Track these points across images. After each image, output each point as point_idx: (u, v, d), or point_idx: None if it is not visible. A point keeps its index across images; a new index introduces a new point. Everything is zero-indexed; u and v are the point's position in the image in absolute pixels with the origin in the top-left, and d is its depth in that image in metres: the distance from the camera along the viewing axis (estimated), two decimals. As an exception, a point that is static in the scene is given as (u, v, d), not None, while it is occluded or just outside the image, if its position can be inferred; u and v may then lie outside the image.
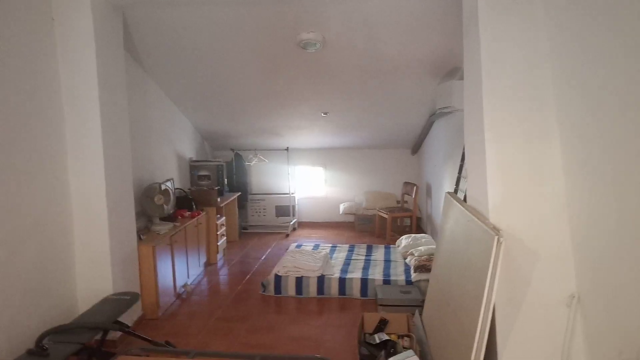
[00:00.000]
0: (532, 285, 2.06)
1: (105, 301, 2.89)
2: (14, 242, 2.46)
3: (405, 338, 2.94)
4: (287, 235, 6.85)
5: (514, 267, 2.07)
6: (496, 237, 1.85)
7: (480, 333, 1.86)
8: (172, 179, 4.99)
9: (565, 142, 2.05)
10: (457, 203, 2.64)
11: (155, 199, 4.04)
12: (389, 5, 3.26)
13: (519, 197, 2.15)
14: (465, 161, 3.72)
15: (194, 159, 6.14)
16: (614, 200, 1.63)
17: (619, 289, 1.64)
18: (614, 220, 1.63)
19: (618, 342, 1.66)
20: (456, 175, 4.05)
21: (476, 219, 2.18)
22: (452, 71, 4.34)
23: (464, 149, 3.81)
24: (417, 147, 7.17)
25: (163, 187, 4.14)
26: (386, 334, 2.98)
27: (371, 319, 3.19)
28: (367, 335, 3.06)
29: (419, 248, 4.65)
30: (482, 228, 2.05)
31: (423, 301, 3.49)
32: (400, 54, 4.02)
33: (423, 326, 2.96)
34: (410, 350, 2.64)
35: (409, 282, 4.13)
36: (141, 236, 3.68)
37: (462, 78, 4.11)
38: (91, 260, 3.05)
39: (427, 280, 3.98)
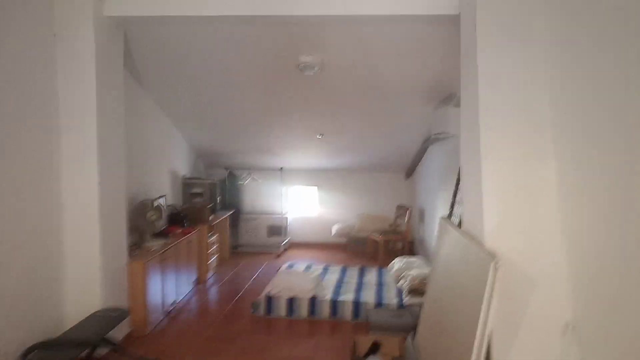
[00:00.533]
0: (528, 311, 2.06)
1: (94, 317, 2.84)
2: (2, 255, 2.42)
3: (398, 363, 2.91)
4: (279, 256, 6.80)
5: (510, 293, 2.07)
6: (492, 263, 1.86)
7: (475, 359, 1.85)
8: (165, 196, 4.96)
9: (561, 166, 2.08)
10: (452, 228, 2.65)
11: (148, 215, 4.01)
12: (387, 31, 3.33)
13: (514, 221, 2.16)
14: (460, 186, 3.75)
15: (188, 176, 6.12)
16: (610, 225, 1.64)
17: (614, 315, 1.65)
18: (610, 246, 1.65)
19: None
20: (450, 200, 4.07)
21: (472, 244, 2.18)
22: (448, 97, 4.40)
23: (458, 174, 3.85)
24: (410, 171, 7.21)
25: (155, 203, 4.12)
26: (379, 357, 2.94)
27: (363, 342, 3.16)
28: (359, 358, 3.02)
29: (412, 271, 4.63)
30: (478, 253, 2.06)
31: (415, 325, 3.46)
32: (397, 79, 4.08)
33: (416, 350, 2.93)
34: (403, 375, 2.61)
35: (401, 305, 4.10)
36: (133, 252, 3.64)
37: (457, 105, 4.17)
38: (81, 274, 3.00)
39: (420, 304, 3.96)
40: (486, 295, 1.85)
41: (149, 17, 3.03)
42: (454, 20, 2.86)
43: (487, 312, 1.85)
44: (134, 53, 3.76)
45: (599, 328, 1.79)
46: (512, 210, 2.16)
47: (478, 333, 1.85)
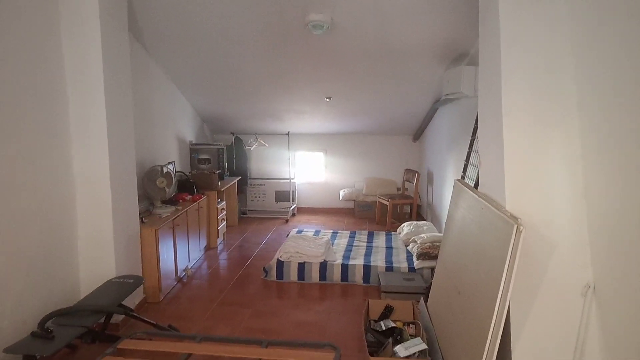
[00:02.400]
0: (547, 274, 2.03)
1: (109, 284, 2.85)
2: (17, 225, 2.41)
3: (411, 325, 2.93)
4: (287, 221, 6.81)
5: (530, 256, 2.04)
6: (515, 226, 1.81)
7: (495, 322, 1.84)
8: (174, 162, 4.92)
9: (585, 130, 2.00)
10: (469, 190, 2.60)
11: (158, 182, 3.97)
12: (401, -13, 3.18)
13: (536, 184, 2.11)
14: (475, 148, 3.67)
15: (194, 142, 6.06)
16: (632, 189, 1.59)
17: (635, 279, 1.62)
18: (632, 209, 1.60)
19: (634, 333, 1.64)
20: (462, 163, 4.00)
21: (492, 207, 2.14)
22: (460, 57, 4.27)
23: (472, 135, 3.77)
24: (419, 134, 7.11)
25: (165, 170, 4.07)
26: (392, 320, 2.96)
27: (376, 306, 3.17)
28: (372, 322, 3.04)
29: (421, 235, 4.63)
30: (500, 216, 2.01)
31: (427, 288, 3.47)
32: (408, 38, 3.94)
33: (429, 314, 2.94)
34: (418, 337, 2.62)
35: (412, 269, 4.11)
36: (143, 219, 3.62)
37: (470, 63, 4.05)
38: (94, 243, 3.00)
39: (430, 268, 3.97)
40: (508, 258, 1.82)
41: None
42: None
43: (508, 274, 1.82)
44: (137, 17, 3.63)
45: (618, 289, 1.77)
46: (534, 173, 2.10)
47: (499, 295, 1.83)
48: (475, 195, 2.43)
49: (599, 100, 1.86)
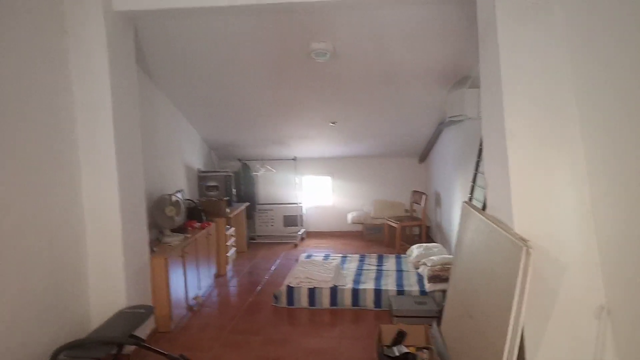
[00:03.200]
0: (559, 296, 2.02)
1: (120, 315, 2.85)
2: (28, 259, 2.43)
3: (425, 350, 2.89)
4: (296, 246, 6.80)
5: (540, 278, 2.03)
6: (524, 248, 1.81)
7: (509, 346, 1.82)
8: (182, 190, 4.97)
9: (589, 148, 2.02)
10: (477, 212, 2.61)
11: (167, 211, 4.01)
12: (399, 14, 3.25)
13: (543, 205, 2.11)
14: (481, 170, 3.68)
15: (202, 169, 6.12)
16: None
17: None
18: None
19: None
20: (469, 184, 4.01)
21: (500, 229, 2.14)
22: (463, 79, 4.32)
23: (478, 157, 3.78)
24: (424, 155, 7.14)
25: (174, 198, 4.12)
26: (404, 346, 2.93)
27: (388, 331, 3.14)
28: (385, 347, 3.01)
29: (432, 258, 4.59)
30: (508, 238, 2.01)
31: (439, 312, 3.44)
32: (409, 62, 4.01)
33: (442, 338, 2.91)
34: (431, 363, 2.59)
35: (423, 292, 4.08)
36: (153, 248, 3.65)
37: (472, 86, 4.09)
38: (105, 273, 3.01)
39: (442, 291, 3.94)
40: (518, 281, 1.81)
41: (158, 10, 2.98)
42: (468, 1, 2.77)
43: (519, 298, 1.81)
44: (144, 48, 3.73)
45: (633, 311, 1.75)
46: (541, 193, 2.11)
47: (511, 319, 1.81)
48: (483, 218, 2.43)
49: (601, 119, 1.88)
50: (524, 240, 1.89)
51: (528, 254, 1.80)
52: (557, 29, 2.17)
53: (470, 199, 3.80)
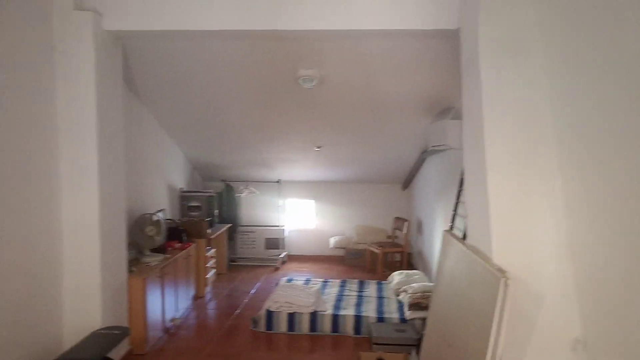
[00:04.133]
0: (537, 328, 2.05)
1: (94, 336, 2.78)
2: (1, 273, 2.37)
3: (403, 379, 2.88)
4: (277, 269, 6.74)
5: (519, 309, 2.06)
6: (503, 279, 1.84)
7: (486, 377, 1.83)
8: (164, 210, 4.92)
9: (566, 181, 2.08)
10: (457, 242, 2.64)
11: (147, 230, 3.96)
12: (386, 45, 3.34)
13: (521, 237, 2.16)
14: (462, 199, 3.74)
15: (185, 189, 6.08)
16: (617, 240, 1.64)
17: (623, 331, 1.64)
18: (619, 261, 1.64)
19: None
20: (451, 212, 4.06)
21: (479, 259, 2.17)
22: (446, 110, 4.42)
23: (459, 186, 3.84)
24: (407, 182, 7.22)
25: (154, 217, 4.07)
26: (383, 374, 2.91)
27: (368, 359, 3.12)
28: (363, 375, 2.98)
29: (412, 285, 4.61)
30: (487, 269, 2.04)
31: (419, 340, 3.43)
32: (394, 92, 4.10)
33: (420, 367, 2.90)
34: (409, 392, 2.57)
35: (402, 320, 4.07)
36: (132, 268, 3.59)
37: (455, 117, 4.19)
38: (80, 292, 2.95)
39: (422, 319, 3.93)
40: (497, 312, 1.83)
41: (147, 31, 3.02)
42: (452, 35, 2.87)
43: (497, 328, 1.83)
44: (132, 66, 3.75)
45: (608, 344, 1.78)
46: (520, 225, 2.16)
47: (489, 349, 1.83)
48: (463, 247, 2.47)
49: (579, 152, 1.94)
50: (502, 271, 1.92)
51: (506, 285, 1.83)
52: (536, 66, 2.25)
53: (452, 227, 3.84)
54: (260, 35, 3.08)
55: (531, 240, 2.16)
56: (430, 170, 5.91)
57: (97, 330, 2.87)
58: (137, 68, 3.80)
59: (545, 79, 2.21)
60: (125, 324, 3.34)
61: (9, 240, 2.43)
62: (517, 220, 2.17)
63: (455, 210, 3.85)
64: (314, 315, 4.10)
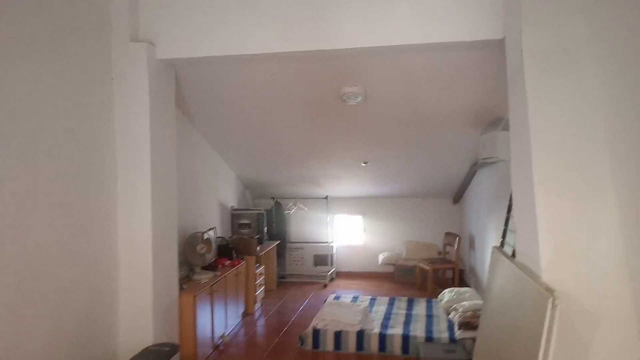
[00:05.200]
0: (592, 350, 1.92)
1: (146, 352, 2.89)
2: (64, 293, 2.52)
3: (452, 402, 2.77)
4: (325, 286, 6.74)
5: (570, 331, 1.94)
6: (550, 299, 1.75)
7: (537, 404, 1.73)
8: (214, 228, 5.07)
9: (621, 197, 1.96)
10: (506, 259, 2.54)
11: (198, 248, 4.09)
12: (429, 58, 3.30)
13: (573, 254, 2.04)
14: (512, 214, 3.60)
15: (236, 207, 6.24)
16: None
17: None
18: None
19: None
20: (502, 227, 3.92)
21: (527, 277, 2.07)
22: (495, 121, 4.29)
23: (510, 200, 3.71)
24: (458, 196, 7.03)
25: (205, 236, 4.20)
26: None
27: (415, 380, 3.03)
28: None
29: (463, 303, 4.46)
30: (535, 287, 1.95)
31: (469, 362, 3.30)
32: (441, 105, 4.03)
33: (471, 390, 2.78)
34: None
35: (452, 340, 3.93)
36: (183, 285, 3.71)
37: (505, 128, 4.06)
38: (134, 309, 3.07)
39: (473, 339, 3.79)
40: (544, 334, 1.74)
41: (197, 58, 3.16)
42: (498, 45, 2.80)
43: (545, 350, 1.73)
44: (184, 91, 3.93)
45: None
46: (570, 241, 2.04)
47: (538, 375, 1.73)
48: (512, 265, 2.37)
49: (635, 168, 1.83)
50: (550, 290, 1.83)
51: (554, 304, 1.73)
52: (587, 76, 2.15)
53: (502, 243, 3.70)
54: (303, 56, 3.15)
55: (584, 257, 2.04)
56: (482, 184, 5.73)
57: (149, 346, 2.98)
58: (189, 92, 3.98)
59: (598, 89, 2.10)
60: (176, 340, 3.44)
61: (70, 257, 2.59)
62: (569, 236, 2.06)
63: (505, 225, 3.72)
64: (360, 334, 4.05)
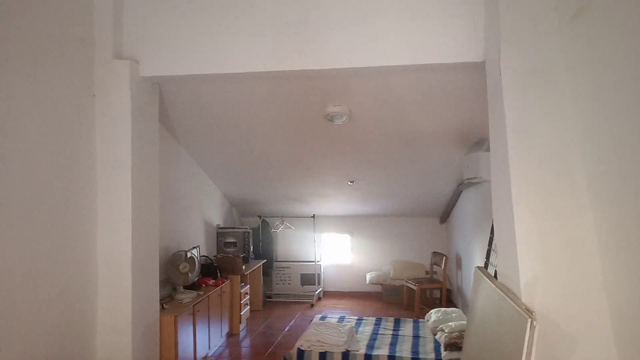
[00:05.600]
0: (571, 373, 1.91)
1: (123, 374, 2.82)
2: (39, 310, 2.46)
3: None
4: (312, 305, 6.67)
5: (550, 352, 1.93)
6: (529, 320, 1.74)
7: None
8: (199, 246, 5.01)
9: (599, 217, 1.97)
10: (487, 279, 2.53)
11: (180, 267, 4.04)
12: (414, 78, 3.34)
13: (552, 274, 2.04)
14: (494, 235, 3.61)
15: (221, 225, 6.19)
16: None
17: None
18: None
19: None
20: (486, 247, 3.93)
21: (507, 298, 2.07)
22: (479, 142, 4.35)
23: (492, 221, 3.73)
24: (445, 216, 7.05)
25: (189, 254, 4.16)
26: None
27: (398, 403, 2.99)
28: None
29: (450, 324, 4.42)
30: (514, 309, 1.94)
31: (454, 383, 3.26)
32: (426, 124, 4.07)
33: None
34: None
35: (439, 361, 3.89)
36: (164, 305, 3.65)
37: (488, 149, 4.09)
38: (112, 329, 3.00)
39: (459, 360, 3.75)
40: (524, 355, 1.72)
41: (181, 76, 3.16)
42: (480, 67, 2.84)
43: (526, 374, 1.72)
44: (169, 108, 3.93)
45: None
46: (549, 261, 2.05)
47: (517, 398, 1.71)
48: (493, 285, 2.36)
49: (612, 186, 1.85)
50: (529, 311, 1.82)
51: (533, 326, 1.73)
52: (564, 96, 2.19)
53: (486, 263, 3.70)
54: (288, 75, 3.16)
55: (564, 278, 2.04)
56: (467, 203, 5.76)
57: (127, 367, 2.91)
58: (173, 110, 3.98)
59: (575, 109, 2.14)
60: (156, 361, 3.37)
61: (47, 276, 2.53)
62: (547, 257, 2.06)
63: (489, 245, 3.72)
64: (346, 355, 4.00)
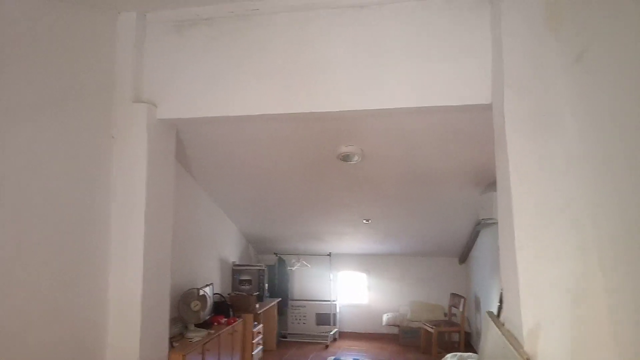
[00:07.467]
0: None
1: (128, 413, 2.81)
2: (50, 348, 2.50)
3: None
4: (327, 346, 6.54)
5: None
6: (529, 370, 1.69)
7: None
8: (212, 284, 5.03)
9: (604, 261, 1.92)
10: (494, 325, 2.47)
11: (192, 305, 4.06)
12: (425, 119, 3.36)
13: (555, 321, 1.98)
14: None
15: (237, 262, 6.22)
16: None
17: None
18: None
19: None
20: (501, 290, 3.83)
21: (510, 345, 2.01)
22: (494, 182, 4.30)
23: (505, 263, 3.65)
24: (464, 256, 6.92)
25: (201, 292, 4.18)
26: None
27: None
28: None
29: (465, 369, 4.27)
30: (516, 357, 1.89)
31: None
32: (440, 164, 4.07)
33: None
34: None
35: (453, 409, 3.75)
36: (173, 343, 3.65)
37: (502, 190, 4.07)
38: (119, 368, 3.02)
39: (473, 409, 3.60)
40: (524, 408, 1.67)
41: (197, 118, 3.28)
42: (489, 108, 2.86)
43: None
44: (186, 149, 4.05)
45: None
46: (551, 307, 1.99)
47: None
48: (498, 332, 2.30)
49: (616, 233, 1.81)
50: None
51: (532, 377, 1.68)
52: (568, 140, 2.17)
53: (500, 307, 3.60)
54: (300, 117, 3.25)
55: (566, 324, 1.97)
56: (485, 244, 5.66)
57: (132, 407, 2.90)
58: (191, 150, 4.10)
59: (579, 153, 2.12)
60: (162, 401, 3.35)
61: (58, 313, 2.59)
62: (550, 302, 2.00)
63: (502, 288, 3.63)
64: (356, 400, 3.89)
